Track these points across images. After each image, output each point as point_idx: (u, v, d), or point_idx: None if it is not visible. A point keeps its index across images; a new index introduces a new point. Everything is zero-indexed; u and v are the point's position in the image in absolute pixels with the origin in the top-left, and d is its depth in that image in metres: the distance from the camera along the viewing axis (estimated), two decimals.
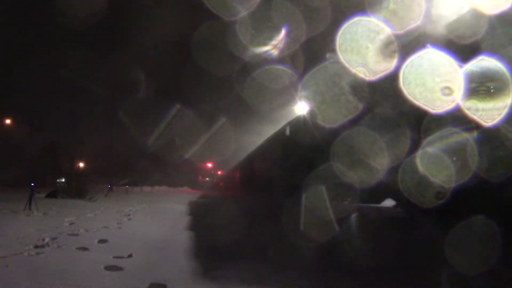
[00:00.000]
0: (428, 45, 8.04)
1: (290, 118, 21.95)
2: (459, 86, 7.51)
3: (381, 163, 9.98)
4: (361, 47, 10.36)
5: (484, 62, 7.01)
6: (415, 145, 9.28)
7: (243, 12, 15.57)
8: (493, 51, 6.85)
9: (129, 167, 48.27)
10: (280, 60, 17.83)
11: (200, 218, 12.69)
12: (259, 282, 5.06)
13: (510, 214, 8.43)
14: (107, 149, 43.64)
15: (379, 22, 9.49)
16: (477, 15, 7.04)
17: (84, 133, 44.78)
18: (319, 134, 14.63)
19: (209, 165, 56.20)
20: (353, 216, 12.02)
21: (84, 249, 6.52)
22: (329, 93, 13.22)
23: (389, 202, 14.49)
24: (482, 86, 7.42)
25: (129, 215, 12.82)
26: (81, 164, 38.81)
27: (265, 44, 17.27)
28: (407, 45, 8.97)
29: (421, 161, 8.93)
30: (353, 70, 10.84)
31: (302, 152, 16.89)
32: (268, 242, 8.06)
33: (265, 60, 18.47)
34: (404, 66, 8.48)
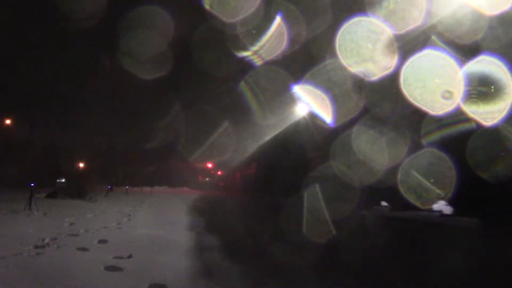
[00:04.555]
0: (429, 45, 8.03)
1: (291, 118, 21.96)
2: (459, 87, 7.50)
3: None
4: (361, 48, 10.36)
5: (484, 62, 7.00)
6: (415, 146, 9.28)
7: (243, 13, 15.57)
8: (493, 51, 6.85)
9: (129, 167, 48.33)
10: (280, 61, 17.83)
11: (200, 218, 12.69)
12: (259, 282, 5.05)
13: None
14: (107, 149, 43.70)
15: (379, 23, 9.49)
16: (477, 15, 7.03)
17: (84, 133, 44.86)
18: (320, 135, 14.63)
19: (209, 165, 56.18)
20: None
21: (84, 249, 6.52)
22: (329, 94, 13.22)
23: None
24: (482, 87, 7.42)
25: (129, 215, 12.83)
26: (81, 164, 38.84)
27: (265, 44, 17.27)
28: (407, 45, 8.96)
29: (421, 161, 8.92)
30: (353, 71, 10.84)
31: (302, 152, 16.89)
32: (269, 242, 8.05)
33: (265, 61, 18.48)
34: (404, 67, 8.47)
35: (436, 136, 8.65)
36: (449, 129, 8.23)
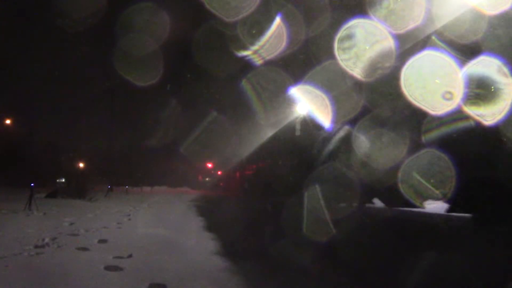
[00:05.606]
0: (429, 45, 8.04)
1: (290, 118, 21.98)
2: (459, 87, 7.51)
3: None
4: (361, 48, 10.36)
5: (484, 62, 7.01)
6: (415, 146, 9.29)
7: (243, 13, 15.57)
8: (493, 51, 6.86)
9: (129, 167, 48.34)
10: (280, 60, 17.82)
11: (200, 218, 12.69)
12: (259, 283, 5.05)
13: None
14: (107, 149, 43.72)
15: (379, 23, 9.49)
16: (477, 15, 7.04)
17: (84, 133, 44.89)
18: (319, 135, 14.64)
19: (209, 165, 56.12)
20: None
21: (84, 249, 6.52)
22: (329, 94, 13.24)
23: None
24: (481, 89, 7.43)
25: (129, 215, 12.83)
26: (81, 164, 38.81)
27: (265, 44, 17.26)
28: (407, 45, 8.97)
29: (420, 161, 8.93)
30: (353, 71, 10.84)
31: (302, 152, 16.89)
32: (269, 242, 8.06)
33: (265, 60, 18.47)
34: (404, 67, 8.48)
35: (436, 135, 8.66)
36: (449, 129, 8.24)
